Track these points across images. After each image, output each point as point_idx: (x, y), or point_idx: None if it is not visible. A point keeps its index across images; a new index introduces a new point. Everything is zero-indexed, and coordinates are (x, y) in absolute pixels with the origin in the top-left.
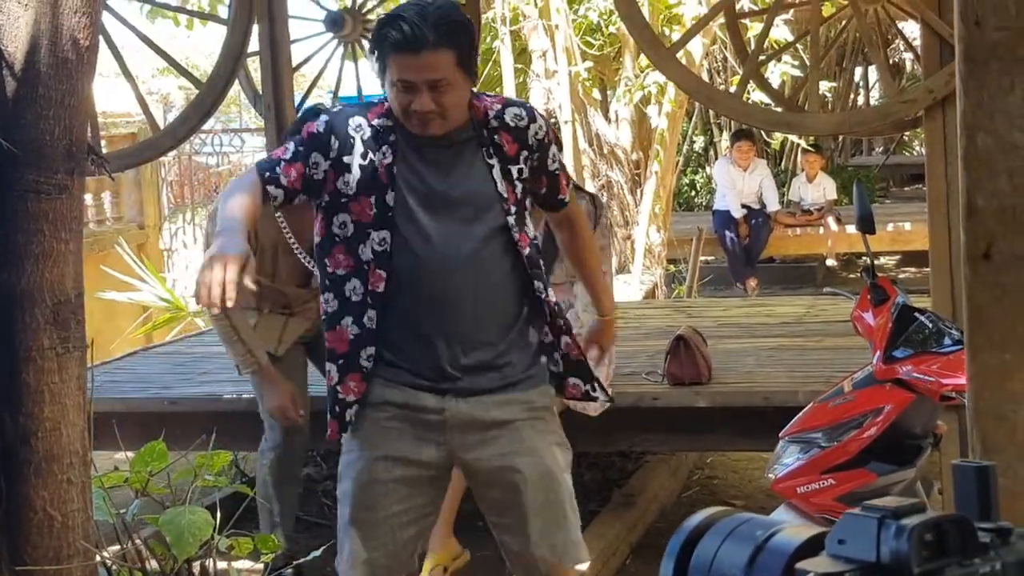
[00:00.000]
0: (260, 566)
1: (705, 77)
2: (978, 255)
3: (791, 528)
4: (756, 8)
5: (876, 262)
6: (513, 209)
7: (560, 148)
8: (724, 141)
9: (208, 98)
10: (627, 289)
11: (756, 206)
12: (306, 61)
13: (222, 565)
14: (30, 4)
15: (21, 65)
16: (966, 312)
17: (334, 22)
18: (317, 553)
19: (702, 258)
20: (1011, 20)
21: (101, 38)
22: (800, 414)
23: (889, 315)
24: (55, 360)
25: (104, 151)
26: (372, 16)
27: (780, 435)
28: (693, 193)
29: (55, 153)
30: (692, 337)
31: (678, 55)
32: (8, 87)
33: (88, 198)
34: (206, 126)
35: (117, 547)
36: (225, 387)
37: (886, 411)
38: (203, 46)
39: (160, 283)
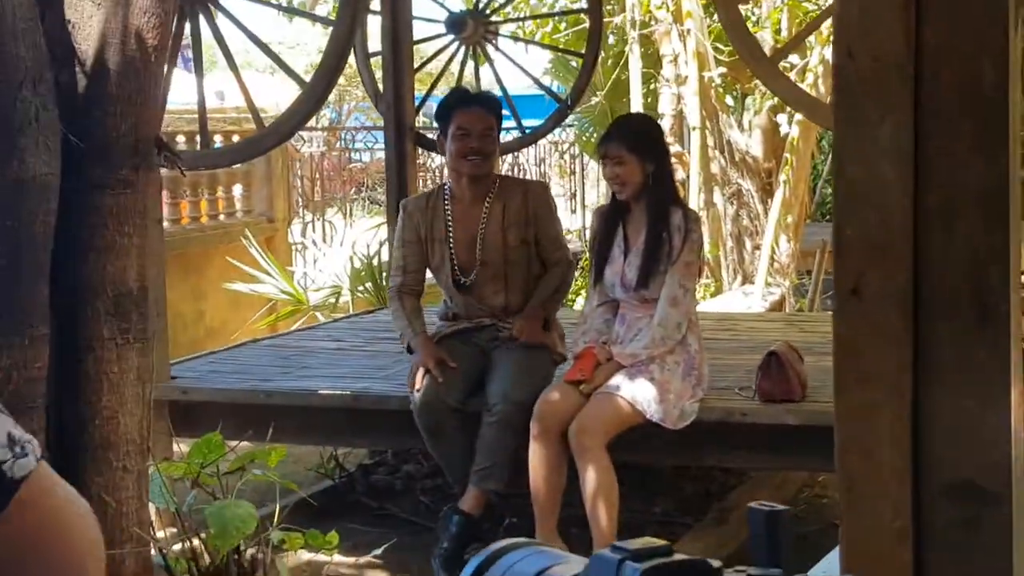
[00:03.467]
0: (316, 557)
1: None
2: (847, 290)
3: (567, 563)
4: None
5: None
6: None
7: None
8: None
9: (311, 97)
10: (749, 300)
11: None
12: (427, 62)
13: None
14: (102, 3)
15: (91, 63)
16: (834, 347)
17: (455, 24)
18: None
19: None
20: (883, 53)
21: (212, 33)
22: None
23: None
24: (114, 350)
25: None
26: (495, 18)
27: None
28: None
29: (120, 149)
30: (786, 353)
31: (815, 62)
32: (79, 84)
33: (220, 191)
34: (354, 124)
35: (173, 531)
36: (323, 382)
37: None
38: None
39: (284, 277)
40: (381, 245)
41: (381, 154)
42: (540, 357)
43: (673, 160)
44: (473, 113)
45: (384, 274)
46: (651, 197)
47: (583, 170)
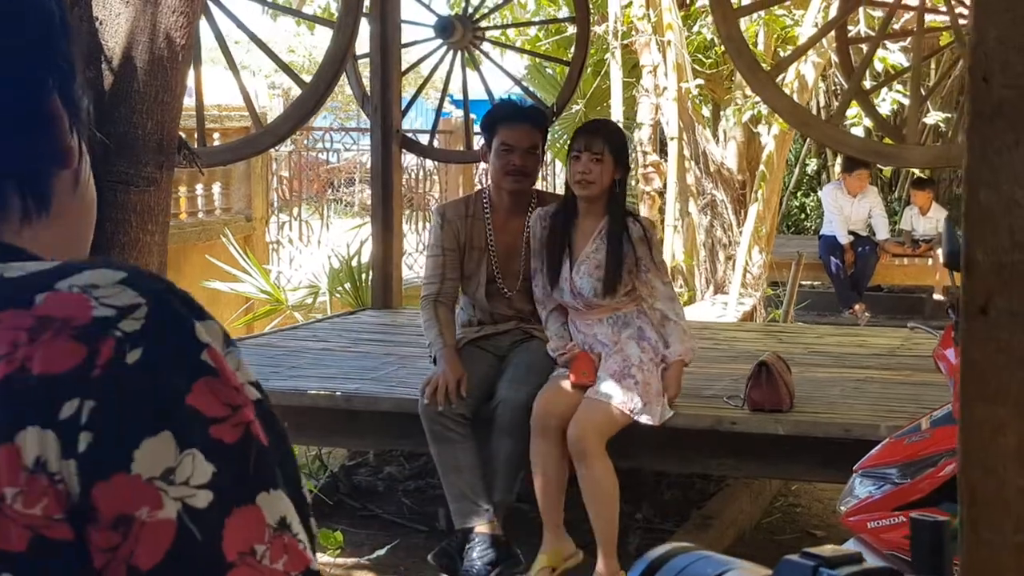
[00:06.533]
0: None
1: (822, 100)
2: (975, 310)
3: (741, 569)
4: (872, 34)
5: None
6: None
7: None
8: (838, 165)
9: (311, 98)
10: (723, 310)
11: (864, 233)
12: (414, 65)
13: None
14: (131, 1)
15: (119, 60)
16: (961, 365)
17: (444, 28)
18: (381, 552)
19: (810, 283)
20: (1018, 78)
21: (213, 32)
22: (875, 448)
23: None
24: None
25: (217, 143)
26: (483, 24)
27: (854, 468)
28: (803, 216)
29: (146, 147)
30: (775, 364)
31: (790, 76)
32: (105, 81)
33: (199, 188)
34: (322, 124)
35: None
36: (312, 382)
37: None
38: (325, 44)
39: (263, 275)
40: (362, 245)
41: (349, 154)
42: (544, 354)
43: (651, 169)
44: (519, 130)
45: (364, 275)
46: (613, 204)
47: (555, 176)
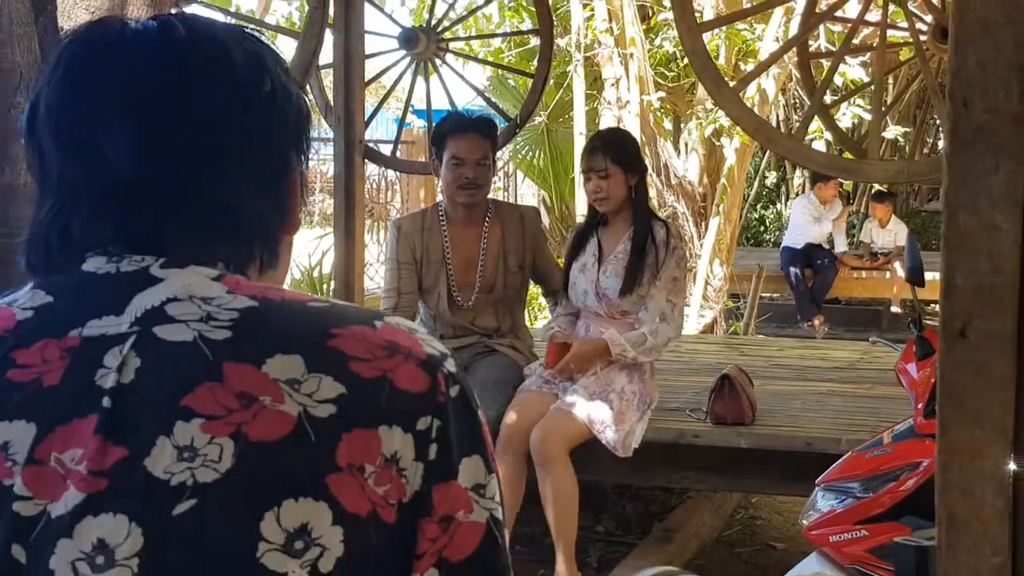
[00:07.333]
0: None
1: (781, 114)
2: (954, 333)
3: None
4: (832, 49)
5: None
6: None
7: None
8: (797, 178)
9: None
10: (684, 323)
11: (826, 246)
12: (378, 76)
13: None
14: (96, 11)
15: None
16: (939, 387)
17: (408, 39)
18: None
19: (769, 295)
20: (999, 103)
21: None
22: (838, 462)
23: (933, 369)
24: None
25: None
26: (447, 35)
27: (816, 482)
28: (762, 228)
29: None
30: (738, 377)
31: (751, 90)
32: None
33: None
34: None
35: None
36: None
37: (924, 465)
38: (286, 53)
39: None
40: (324, 255)
41: (310, 163)
42: (510, 370)
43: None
44: (468, 141)
45: (325, 286)
46: (635, 210)
47: (516, 187)
